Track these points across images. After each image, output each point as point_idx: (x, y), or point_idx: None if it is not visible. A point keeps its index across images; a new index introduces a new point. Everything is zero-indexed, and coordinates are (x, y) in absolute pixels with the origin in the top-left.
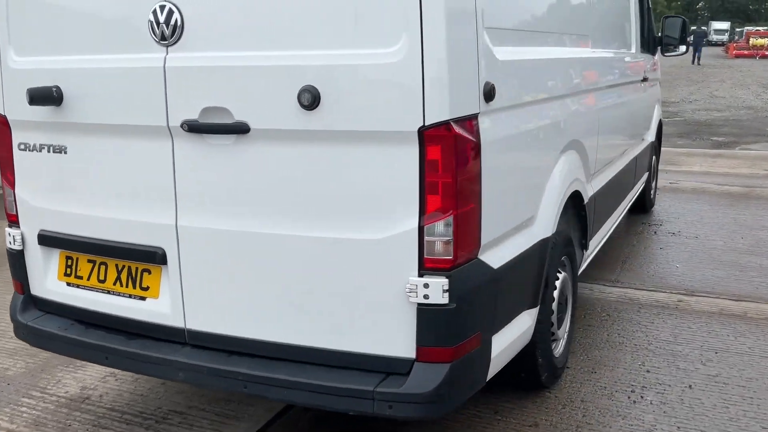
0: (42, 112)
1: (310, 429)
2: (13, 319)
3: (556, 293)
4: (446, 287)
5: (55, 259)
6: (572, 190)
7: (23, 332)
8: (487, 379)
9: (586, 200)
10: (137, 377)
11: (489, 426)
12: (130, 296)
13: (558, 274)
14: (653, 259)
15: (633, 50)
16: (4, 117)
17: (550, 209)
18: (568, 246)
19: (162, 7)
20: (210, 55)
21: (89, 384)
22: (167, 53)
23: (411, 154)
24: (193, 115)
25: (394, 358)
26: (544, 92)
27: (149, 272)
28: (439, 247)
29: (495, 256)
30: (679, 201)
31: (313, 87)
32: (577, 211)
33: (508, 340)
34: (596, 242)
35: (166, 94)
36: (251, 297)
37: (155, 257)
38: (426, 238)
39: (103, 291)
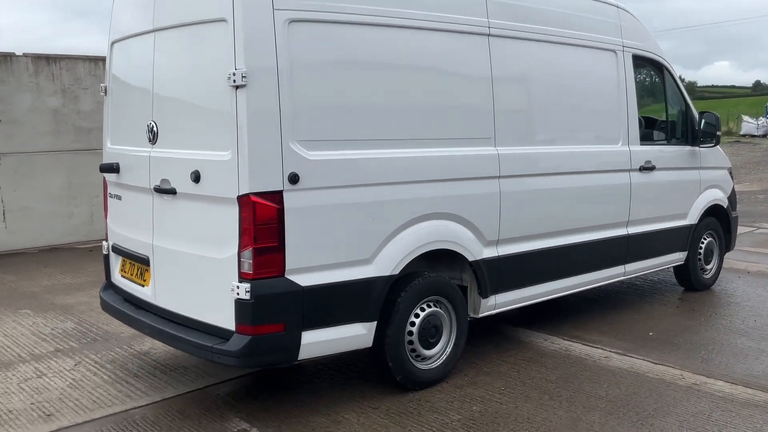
0: (114, 177)
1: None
2: (100, 295)
3: (418, 320)
4: (248, 289)
5: (119, 261)
6: (435, 248)
7: (101, 302)
8: (300, 358)
9: (472, 259)
10: None
11: (355, 400)
12: (139, 284)
13: (424, 307)
14: (639, 325)
15: (617, 144)
16: (104, 179)
17: (392, 257)
18: (441, 289)
19: (149, 124)
20: (164, 150)
21: (156, 347)
22: (152, 148)
23: (234, 211)
24: (157, 182)
25: (227, 330)
26: (371, 180)
27: (147, 271)
28: (246, 266)
29: (305, 278)
30: (752, 285)
31: (197, 170)
32: (469, 267)
33: (327, 337)
34: (515, 297)
35: (149, 170)
36: (173, 286)
37: (146, 261)
38: (241, 259)
39: (131, 281)
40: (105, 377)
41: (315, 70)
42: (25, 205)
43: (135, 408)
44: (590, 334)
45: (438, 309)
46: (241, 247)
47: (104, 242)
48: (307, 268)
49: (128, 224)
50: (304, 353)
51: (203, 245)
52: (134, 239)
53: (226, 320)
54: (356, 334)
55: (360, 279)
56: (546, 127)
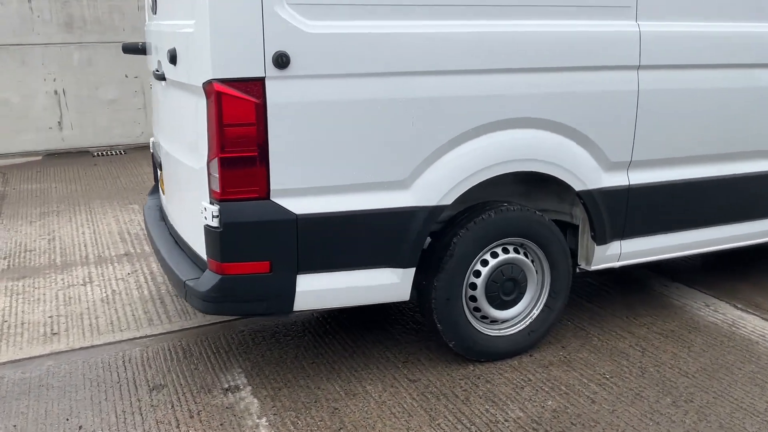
0: (147, 60)
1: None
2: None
3: (485, 270)
4: (215, 214)
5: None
6: (513, 171)
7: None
8: (296, 309)
9: (580, 189)
10: None
11: (394, 366)
12: (162, 192)
13: (497, 252)
14: None
15: None
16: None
17: (441, 180)
18: (526, 228)
19: None
20: (160, 22)
21: None
22: (154, 21)
23: (203, 104)
24: (156, 65)
25: (204, 261)
26: (409, 65)
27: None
28: (214, 182)
29: (301, 203)
30: None
31: (173, 48)
32: (578, 200)
33: (335, 285)
34: (652, 247)
35: (153, 49)
36: (173, 200)
37: (160, 166)
38: (210, 173)
39: (161, 187)
40: (145, 292)
41: None
42: None
43: (144, 337)
44: None
45: (520, 256)
46: (209, 156)
47: (151, 139)
48: (305, 189)
49: (154, 120)
50: (300, 303)
51: (184, 149)
52: (156, 138)
53: (203, 248)
54: (383, 284)
55: (389, 209)
56: None
